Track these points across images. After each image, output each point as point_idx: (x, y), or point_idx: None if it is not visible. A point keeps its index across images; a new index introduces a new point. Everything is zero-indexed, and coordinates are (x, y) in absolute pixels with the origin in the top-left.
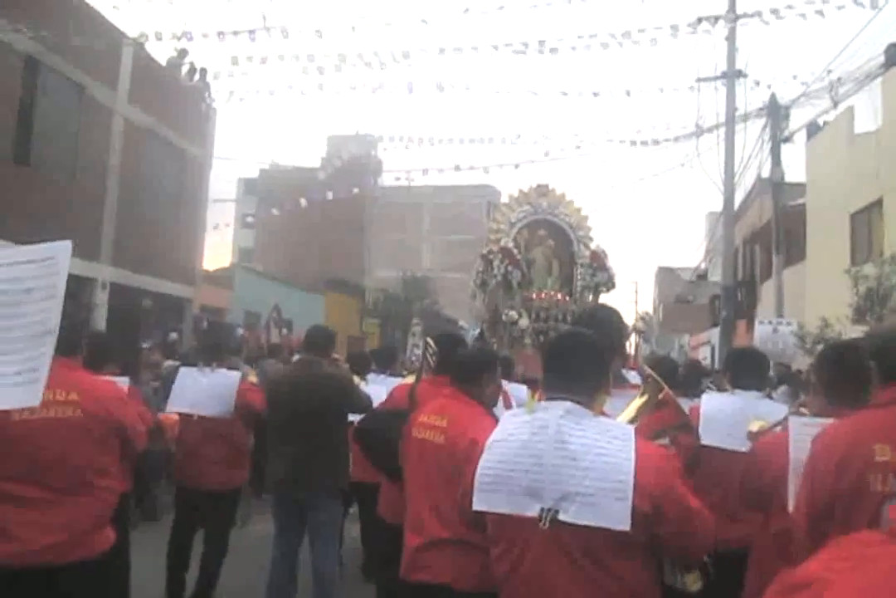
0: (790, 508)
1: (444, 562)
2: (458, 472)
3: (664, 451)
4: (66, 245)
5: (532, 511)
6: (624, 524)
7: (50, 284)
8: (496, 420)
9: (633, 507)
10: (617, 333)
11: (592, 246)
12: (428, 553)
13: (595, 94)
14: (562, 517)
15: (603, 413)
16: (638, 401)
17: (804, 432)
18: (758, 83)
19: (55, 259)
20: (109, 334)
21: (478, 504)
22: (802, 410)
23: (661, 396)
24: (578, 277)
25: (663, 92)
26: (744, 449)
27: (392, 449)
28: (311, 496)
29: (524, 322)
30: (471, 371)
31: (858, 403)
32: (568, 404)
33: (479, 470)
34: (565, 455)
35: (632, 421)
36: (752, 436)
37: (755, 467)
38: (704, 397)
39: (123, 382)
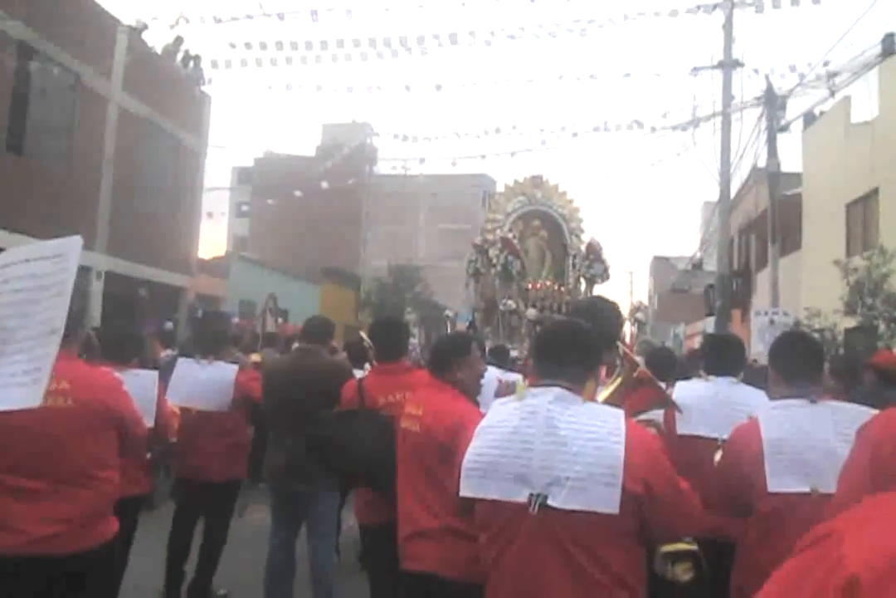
0: (769, 488)
1: (431, 551)
2: (440, 459)
3: (653, 433)
4: (76, 241)
5: (521, 497)
6: (612, 508)
7: (59, 282)
8: (475, 405)
9: (624, 489)
10: (615, 324)
11: (585, 237)
12: (416, 543)
13: (592, 77)
14: (550, 502)
15: (593, 400)
16: (614, 382)
17: (773, 415)
18: (756, 71)
19: (65, 256)
20: (129, 327)
21: (465, 490)
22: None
23: (636, 374)
24: (572, 267)
25: (660, 76)
26: (715, 435)
27: (349, 454)
28: (309, 487)
29: (532, 312)
30: (441, 357)
31: (816, 385)
32: (557, 389)
33: (467, 456)
34: (555, 441)
35: (609, 402)
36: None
37: (733, 453)
38: (677, 384)
39: (153, 376)
